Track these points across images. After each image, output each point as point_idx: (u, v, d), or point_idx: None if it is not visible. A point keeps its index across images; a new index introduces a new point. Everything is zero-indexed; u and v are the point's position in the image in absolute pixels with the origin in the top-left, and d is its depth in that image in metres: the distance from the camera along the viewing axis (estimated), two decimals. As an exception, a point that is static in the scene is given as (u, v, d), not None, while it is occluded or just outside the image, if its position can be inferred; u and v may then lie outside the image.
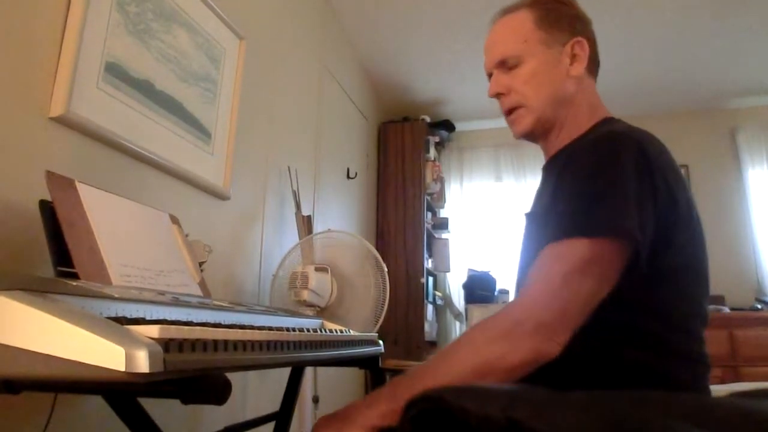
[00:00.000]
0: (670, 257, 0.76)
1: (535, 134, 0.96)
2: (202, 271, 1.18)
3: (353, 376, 3.08)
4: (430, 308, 3.65)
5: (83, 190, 0.93)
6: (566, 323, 0.70)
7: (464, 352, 0.72)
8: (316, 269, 1.76)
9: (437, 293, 3.93)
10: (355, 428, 0.68)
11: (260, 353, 0.67)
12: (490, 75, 0.98)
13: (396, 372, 3.14)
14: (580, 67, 0.92)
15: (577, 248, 0.72)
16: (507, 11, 0.97)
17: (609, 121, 0.93)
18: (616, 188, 0.73)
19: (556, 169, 0.87)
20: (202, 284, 1.14)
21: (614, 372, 0.75)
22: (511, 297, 3.73)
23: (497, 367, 0.68)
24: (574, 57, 0.93)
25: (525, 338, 0.69)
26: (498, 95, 0.96)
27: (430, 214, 3.92)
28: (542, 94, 0.92)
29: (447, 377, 0.69)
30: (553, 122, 0.93)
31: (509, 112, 0.96)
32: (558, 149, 0.95)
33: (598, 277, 0.72)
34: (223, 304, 0.94)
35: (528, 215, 0.96)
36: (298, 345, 0.80)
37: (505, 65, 0.94)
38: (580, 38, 0.93)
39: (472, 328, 0.75)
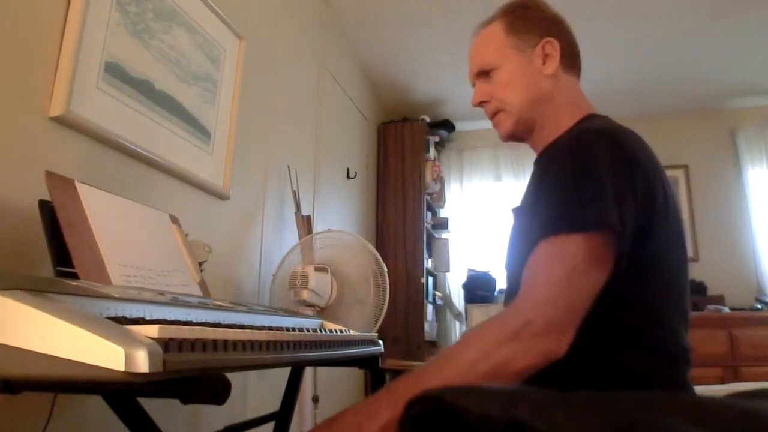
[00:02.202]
0: (648, 250, 0.78)
1: (518, 135, 1.00)
2: (201, 271, 1.18)
3: (353, 376, 3.08)
4: (430, 308, 3.65)
5: (83, 190, 0.93)
6: (573, 321, 0.71)
7: (470, 354, 0.69)
8: (316, 269, 1.76)
9: (437, 293, 3.93)
10: None
11: (260, 353, 0.67)
12: (474, 86, 1.04)
13: (396, 372, 3.14)
14: (552, 65, 0.96)
15: (573, 244, 0.73)
16: (483, 25, 1.03)
17: (590, 117, 0.94)
18: (595, 183, 0.75)
19: (541, 167, 0.92)
20: (202, 284, 1.14)
21: (596, 369, 0.76)
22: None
23: (506, 370, 0.67)
24: (546, 57, 0.96)
25: (536, 339, 0.68)
26: (481, 104, 1.01)
27: (429, 214, 3.92)
28: (518, 96, 0.96)
29: (452, 380, 0.66)
30: (533, 122, 0.97)
31: (492, 117, 1.01)
32: (544, 146, 0.97)
33: (596, 272, 0.74)
34: (223, 304, 0.94)
35: (514, 210, 0.99)
36: (298, 345, 0.80)
37: (484, 75, 1.00)
38: (549, 38, 0.96)
39: (473, 330, 0.74)
